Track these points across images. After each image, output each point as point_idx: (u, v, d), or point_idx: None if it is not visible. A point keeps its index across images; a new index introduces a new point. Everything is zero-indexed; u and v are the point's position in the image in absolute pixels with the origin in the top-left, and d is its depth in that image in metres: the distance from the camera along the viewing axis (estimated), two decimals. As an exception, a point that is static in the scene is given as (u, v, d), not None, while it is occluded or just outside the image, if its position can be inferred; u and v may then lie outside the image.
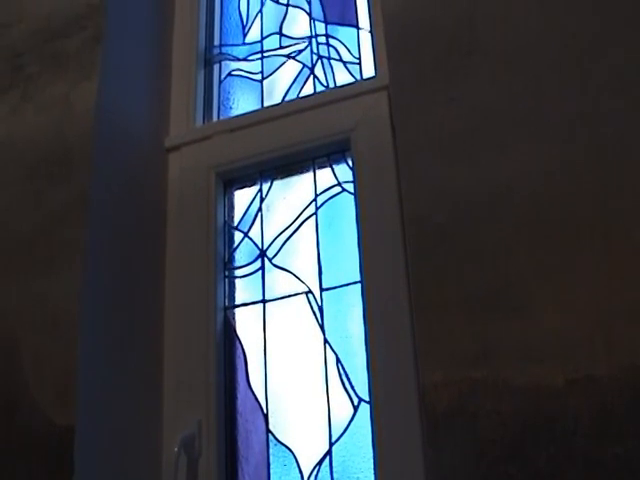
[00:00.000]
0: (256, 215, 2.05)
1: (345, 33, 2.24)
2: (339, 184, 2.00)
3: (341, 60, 2.20)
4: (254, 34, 2.34)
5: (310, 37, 2.27)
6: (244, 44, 2.34)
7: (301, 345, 1.87)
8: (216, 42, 2.36)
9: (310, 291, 1.91)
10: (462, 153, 1.66)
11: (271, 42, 2.31)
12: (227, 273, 2.00)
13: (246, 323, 1.94)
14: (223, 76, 2.31)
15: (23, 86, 2.05)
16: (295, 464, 1.79)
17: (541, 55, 1.68)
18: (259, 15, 2.37)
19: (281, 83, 2.24)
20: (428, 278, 1.59)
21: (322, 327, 1.86)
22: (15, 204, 1.90)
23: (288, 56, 2.27)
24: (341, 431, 1.77)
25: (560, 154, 1.58)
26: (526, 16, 1.74)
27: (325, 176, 2.03)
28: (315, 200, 2.01)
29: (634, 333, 1.41)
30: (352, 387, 1.79)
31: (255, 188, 2.09)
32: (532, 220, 1.55)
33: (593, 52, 1.64)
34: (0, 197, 1.93)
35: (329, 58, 2.22)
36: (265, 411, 1.85)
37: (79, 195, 1.84)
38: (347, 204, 1.96)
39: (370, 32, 2.15)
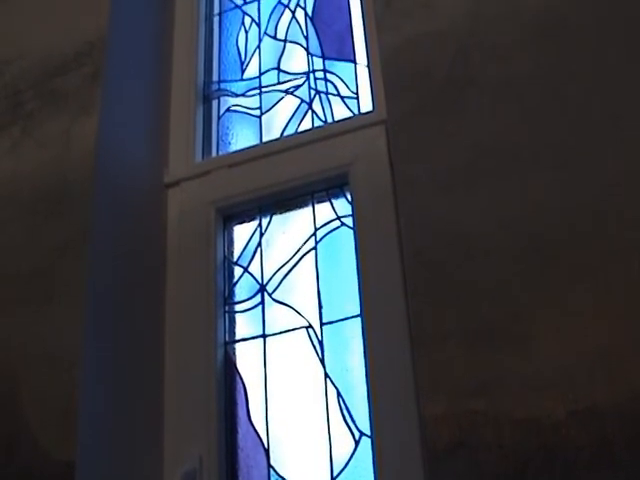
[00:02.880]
0: (256, 250, 2.09)
1: (342, 68, 2.30)
2: (338, 218, 2.05)
3: (339, 95, 2.26)
4: (252, 70, 2.40)
5: (308, 72, 2.33)
6: (242, 80, 2.40)
7: (302, 379, 1.90)
8: (215, 78, 2.42)
9: (310, 325, 1.95)
10: (460, 187, 1.71)
11: (269, 78, 2.37)
12: (227, 308, 2.03)
13: (246, 358, 1.98)
14: (222, 112, 2.37)
15: (23, 122, 2.10)
16: (297, 499, 1.82)
17: (537, 88, 1.74)
18: (257, 51, 2.43)
19: (279, 118, 2.29)
20: (427, 311, 1.63)
21: (322, 361, 1.90)
22: (15, 240, 1.95)
23: (286, 91, 2.32)
24: (343, 465, 1.79)
25: (558, 187, 1.63)
26: (522, 50, 1.79)
27: (324, 210, 2.07)
28: (314, 234, 2.05)
29: (634, 364, 1.44)
30: (353, 421, 1.81)
31: (254, 223, 2.13)
32: (530, 253, 1.59)
33: (588, 85, 1.70)
34: (1, 233, 1.96)
35: (327, 93, 2.27)
36: (266, 446, 1.88)
37: (79, 231, 1.88)
38: (346, 238, 2.01)
39: (367, 67, 2.20)
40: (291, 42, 2.40)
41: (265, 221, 2.11)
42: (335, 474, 1.79)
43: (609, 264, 1.53)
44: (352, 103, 2.22)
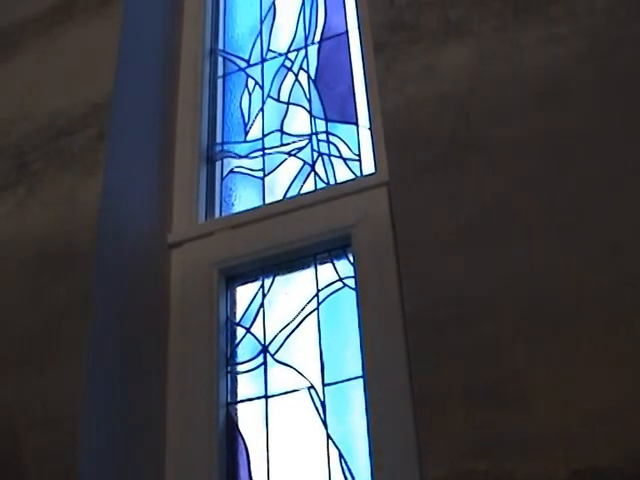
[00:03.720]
0: (258, 311, 2.14)
1: (345, 130, 2.37)
2: (340, 280, 2.10)
3: (341, 157, 2.33)
4: (255, 132, 2.48)
5: (311, 134, 2.40)
6: (246, 142, 2.47)
7: (303, 440, 1.94)
8: (218, 140, 2.49)
9: (312, 386, 1.98)
10: (461, 249, 1.76)
11: (272, 139, 2.44)
12: (229, 369, 2.07)
13: (248, 419, 2.01)
14: (225, 173, 2.44)
15: (28, 182, 2.16)
16: None
17: (538, 150, 1.80)
18: (260, 113, 2.51)
19: (282, 180, 2.36)
20: (429, 373, 1.67)
21: (324, 422, 1.93)
22: (18, 299, 1.99)
23: (289, 153, 2.39)
24: (345, 526, 1.82)
25: (559, 249, 1.68)
26: (523, 112, 1.86)
27: (326, 272, 2.12)
28: (317, 295, 2.10)
29: (635, 424, 1.48)
30: (355, 483, 1.84)
31: (257, 284, 2.18)
32: (532, 314, 1.64)
33: (590, 146, 1.76)
34: (3, 292, 2.01)
35: (329, 155, 2.34)
36: (268, 507, 1.90)
37: (82, 291, 1.93)
38: (348, 299, 2.05)
39: (369, 129, 2.27)
40: (294, 104, 2.48)
41: (268, 282, 2.17)
42: (338, 535, 1.82)
43: (610, 325, 1.57)
44: (354, 165, 2.28)
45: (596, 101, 1.80)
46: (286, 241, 2.14)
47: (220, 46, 2.68)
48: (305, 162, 2.35)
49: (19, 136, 2.25)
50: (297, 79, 2.52)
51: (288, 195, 2.31)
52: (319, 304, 2.08)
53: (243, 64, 2.63)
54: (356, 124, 2.34)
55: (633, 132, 1.74)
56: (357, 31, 2.45)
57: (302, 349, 2.04)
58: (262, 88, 2.55)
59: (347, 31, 2.52)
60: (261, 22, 2.69)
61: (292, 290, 2.14)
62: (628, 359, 1.53)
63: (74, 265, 1.97)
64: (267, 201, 2.32)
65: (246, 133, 2.48)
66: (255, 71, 2.59)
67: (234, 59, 2.64)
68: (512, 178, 1.78)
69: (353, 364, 1.94)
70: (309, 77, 2.50)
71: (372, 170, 2.20)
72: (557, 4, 1.94)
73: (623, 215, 1.66)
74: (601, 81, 1.82)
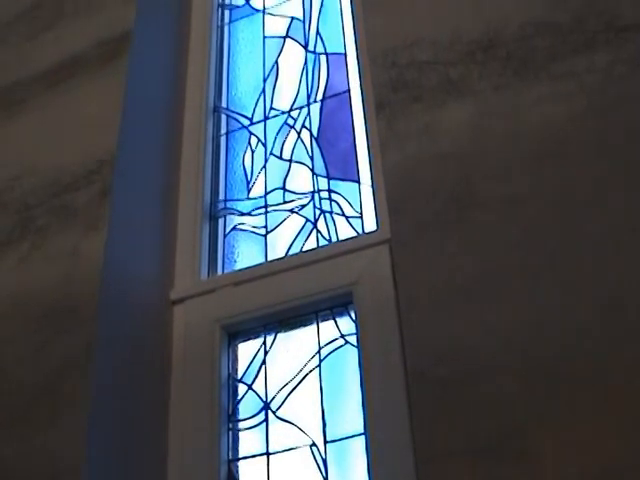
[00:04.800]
0: (260, 367, 2.19)
1: (347, 188, 2.43)
2: (342, 337, 2.15)
3: (343, 214, 2.39)
4: (258, 189, 2.55)
5: (313, 192, 2.47)
6: (248, 199, 2.54)
7: (305, 498, 1.97)
8: (221, 197, 2.56)
9: (314, 444, 2.02)
10: (463, 306, 1.81)
11: (275, 197, 2.51)
12: (231, 425, 2.11)
13: (250, 476, 2.04)
14: (228, 230, 2.50)
15: (32, 238, 2.22)
16: None
17: (538, 208, 1.85)
18: (263, 171, 2.58)
19: (284, 237, 2.42)
20: (431, 429, 1.71)
21: (326, 479, 1.97)
22: (20, 354, 2.03)
23: (291, 211, 2.46)
24: None
25: (559, 305, 1.73)
26: (523, 170, 1.92)
27: (328, 329, 2.17)
28: (319, 352, 2.15)
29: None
30: (357, 540, 1.88)
31: (259, 340, 2.23)
32: (532, 370, 1.68)
33: (590, 204, 1.82)
34: (6, 348, 2.06)
35: (331, 212, 2.40)
36: None
37: (84, 347, 1.97)
38: (350, 356, 2.10)
39: (371, 187, 2.33)
40: (296, 162, 2.55)
41: (270, 339, 2.21)
42: None
43: (611, 382, 1.62)
44: (356, 222, 2.34)
45: (596, 158, 1.87)
46: (288, 298, 2.19)
47: (223, 104, 2.76)
48: (307, 219, 2.42)
49: (24, 191, 2.32)
50: (299, 137, 2.60)
51: (290, 252, 2.36)
52: (321, 361, 2.13)
53: (246, 122, 2.70)
54: (358, 182, 2.41)
55: (633, 189, 1.80)
56: (359, 90, 2.53)
57: (304, 406, 2.08)
58: (265, 146, 2.62)
59: (349, 90, 2.60)
60: (264, 80, 2.77)
61: (294, 347, 2.18)
62: (629, 416, 1.57)
63: (77, 320, 2.02)
64: (269, 258, 2.38)
65: (249, 190, 2.55)
66: (258, 129, 2.67)
67: (237, 117, 2.72)
68: (512, 235, 1.84)
69: (355, 421, 1.99)
70: (311, 135, 2.58)
71: (374, 227, 2.26)
72: (557, 63, 2.01)
73: (623, 271, 1.71)
74: (601, 139, 1.88)
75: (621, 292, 1.70)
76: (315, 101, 2.65)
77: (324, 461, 1.99)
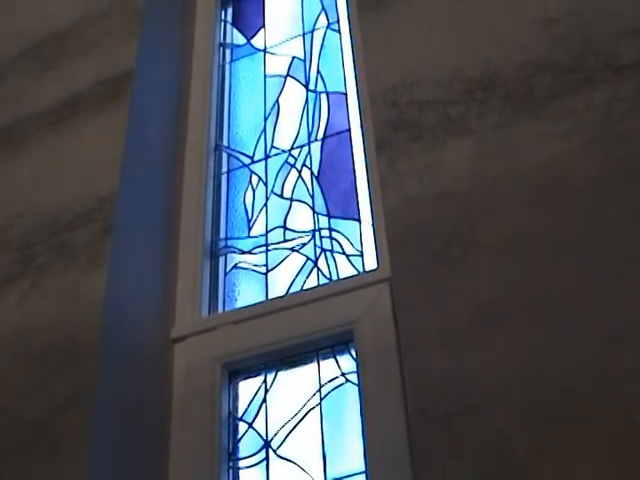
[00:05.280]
0: (260, 406, 2.20)
1: (347, 226, 2.47)
2: (343, 375, 2.17)
3: (344, 253, 2.42)
4: (259, 228, 2.58)
5: (313, 231, 2.50)
6: (249, 237, 2.58)
7: (306, 536, 1.98)
8: (222, 235, 2.60)
9: (315, 482, 2.04)
10: (463, 344, 1.83)
11: (276, 235, 2.54)
12: (231, 464, 2.13)
13: (251, 514, 2.06)
14: (228, 268, 2.53)
15: (32, 276, 2.25)
16: None
17: (539, 245, 1.88)
18: (264, 209, 2.61)
19: (285, 275, 2.45)
20: (432, 467, 1.73)
21: (327, 517, 1.99)
22: (21, 391, 2.05)
23: (292, 249, 2.49)
24: None
25: (559, 343, 1.75)
26: (523, 208, 1.95)
27: (329, 367, 2.19)
28: (319, 391, 2.17)
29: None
30: None
31: (260, 379, 2.25)
32: (532, 408, 1.70)
33: (590, 242, 1.84)
34: (7, 384, 2.08)
35: (332, 251, 2.44)
36: None
37: (85, 385, 2.00)
38: (351, 395, 2.12)
39: (372, 225, 2.36)
40: (297, 201, 2.59)
41: (270, 377, 2.23)
42: None
43: (611, 420, 1.63)
44: (357, 261, 2.37)
45: (596, 196, 1.89)
46: (289, 336, 2.22)
47: (224, 142, 2.81)
48: (308, 258, 2.45)
49: (25, 229, 2.36)
50: (300, 176, 2.64)
51: (291, 291, 2.39)
52: (321, 399, 2.15)
53: (247, 160, 2.75)
54: (358, 220, 2.44)
55: (634, 226, 1.82)
56: (359, 129, 2.57)
57: (304, 444, 2.10)
58: (266, 184, 2.66)
59: (349, 128, 2.64)
60: (265, 119, 2.82)
61: (295, 385, 2.20)
62: (629, 453, 1.59)
63: (77, 358, 2.04)
64: (270, 296, 2.41)
65: (249, 229, 2.59)
66: (259, 167, 2.71)
67: (238, 155, 2.77)
68: (513, 273, 1.87)
69: (356, 459, 2.00)
70: (312, 174, 2.62)
71: (374, 266, 2.28)
72: (556, 101, 2.05)
73: (624, 309, 1.74)
74: (601, 176, 1.91)
75: (621, 331, 1.72)
76: (316, 140, 2.69)
77: (325, 499, 2.01)
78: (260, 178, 2.69)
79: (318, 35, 2.96)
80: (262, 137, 2.79)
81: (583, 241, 1.85)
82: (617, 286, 1.77)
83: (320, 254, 2.44)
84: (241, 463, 2.14)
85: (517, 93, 2.11)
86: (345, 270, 2.38)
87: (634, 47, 2.04)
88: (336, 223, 2.49)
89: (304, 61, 2.91)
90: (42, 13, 2.98)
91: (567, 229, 1.88)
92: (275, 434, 2.14)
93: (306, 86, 2.84)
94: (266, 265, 2.49)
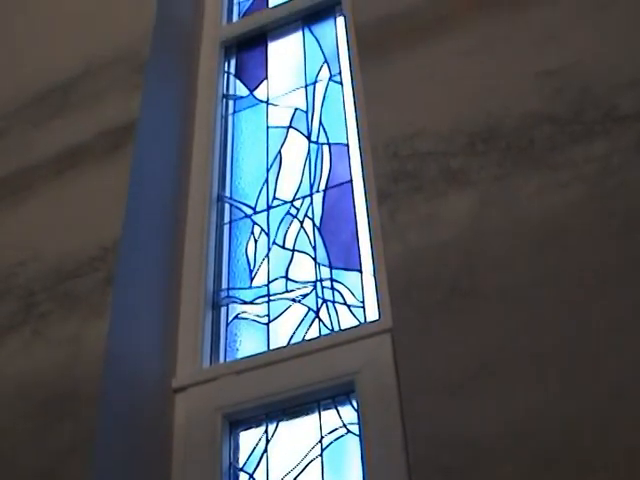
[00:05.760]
0: (261, 456, 2.22)
1: (349, 277, 2.49)
2: (344, 426, 2.18)
3: (345, 303, 2.45)
4: (261, 278, 2.61)
5: (315, 281, 2.53)
6: (251, 288, 2.61)
7: None
8: (224, 285, 2.63)
9: (315, 529, 2.06)
10: (464, 395, 1.85)
11: (277, 286, 2.57)
12: (231, 513, 2.15)
13: None
14: (230, 318, 2.56)
15: (35, 323, 2.28)
16: None
17: (539, 296, 1.91)
18: (266, 259, 2.65)
19: (287, 326, 2.47)
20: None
21: None
22: (21, 440, 2.08)
23: (294, 300, 2.52)
24: None
25: (560, 393, 1.78)
26: (524, 259, 1.98)
27: (330, 418, 2.21)
28: (320, 441, 2.18)
29: None
30: None
31: (261, 429, 2.27)
32: (534, 459, 1.72)
33: (590, 292, 1.87)
34: (7, 432, 2.10)
35: (333, 302, 2.46)
36: None
37: (86, 433, 2.02)
38: (352, 445, 2.14)
39: (373, 276, 2.39)
40: (299, 251, 2.62)
41: (271, 428, 2.25)
42: None
43: (612, 468, 1.65)
44: (358, 311, 2.40)
45: (596, 246, 1.92)
46: (290, 387, 2.23)
47: (227, 193, 2.85)
48: (309, 308, 2.48)
49: (28, 277, 2.39)
50: (302, 226, 2.67)
51: (292, 341, 2.42)
52: (323, 450, 2.17)
53: (249, 211, 2.79)
54: (360, 271, 2.47)
55: (634, 277, 1.85)
56: (361, 180, 2.60)
57: (306, 495, 2.12)
58: (268, 235, 2.70)
59: (351, 180, 2.68)
60: (267, 170, 2.87)
61: (296, 436, 2.22)
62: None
63: (78, 407, 2.07)
64: (272, 347, 2.44)
65: (251, 279, 2.63)
66: (261, 218, 2.75)
67: (240, 206, 2.81)
68: (513, 324, 1.89)
69: (357, 510, 2.02)
70: (314, 225, 2.66)
71: (376, 317, 2.31)
72: (556, 153, 2.09)
73: (624, 359, 1.76)
74: (601, 226, 1.95)
75: (622, 381, 1.74)
76: (318, 191, 2.74)
77: None
78: (262, 229, 2.73)
79: (320, 87, 3.02)
80: (264, 188, 2.83)
81: (583, 292, 1.88)
82: (617, 337, 1.80)
83: (322, 305, 2.47)
84: (241, 513, 2.16)
85: (517, 145, 2.15)
86: (347, 321, 2.41)
87: (632, 98, 2.08)
88: (338, 274, 2.52)
89: (306, 112, 2.97)
90: (46, 64, 3.04)
91: (567, 280, 1.91)
92: (276, 485, 2.17)
93: (308, 137, 2.89)
94: (268, 315, 2.52)
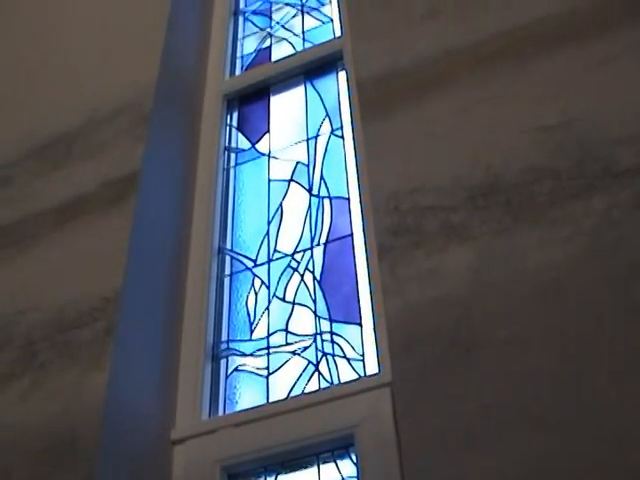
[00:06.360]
0: (258, 512, 2.24)
1: (349, 330, 2.52)
2: (343, 480, 2.20)
3: (345, 357, 2.47)
4: (261, 330, 2.65)
5: (315, 334, 2.56)
6: (251, 340, 2.64)
7: None
8: (224, 337, 2.66)
9: None
10: (463, 449, 1.88)
11: (277, 339, 2.60)
12: None
13: None
14: (230, 371, 2.59)
15: (34, 373, 2.31)
16: None
17: (538, 350, 1.94)
18: (266, 312, 2.68)
19: (286, 379, 2.50)
20: None
21: None
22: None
23: (294, 352, 2.55)
24: None
25: (559, 446, 1.80)
26: (523, 313, 2.01)
27: (329, 471, 2.22)
28: (319, 497, 2.20)
29: None
30: None
31: (260, 482, 2.29)
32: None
33: (589, 346, 1.90)
34: (6, 481, 2.13)
35: (333, 355, 2.49)
36: None
37: (84, 484, 2.04)
38: (351, 500, 2.15)
39: (373, 330, 2.41)
40: (299, 304, 2.65)
41: (270, 480, 2.28)
42: None
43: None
44: (358, 365, 2.42)
45: (595, 301, 1.95)
46: (289, 440, 2.25)
47: (228, 245, 2.90)
48: (309, 361, 2.50)
49: (28, 326, 2.43)
50: (303, 279, 2.71)
51: (292, 394, 2.44)
52: (322, 504, 2.18)
53: (250, 264, 2.83)
54: (360, 325, 2.50)
55: (633, 331, 1.88)
56: (361, 234, 2.63)
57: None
58: (268, 288, 2.74)
59: (352, 233, 2.72)
60: (268, 223, 2.91)
61: (294, 490, 2.24)
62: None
63: (77, 457, 2.09)
64: (271, 400, 2.46)
65: (251, 332, 2.66)
66: (262, 271, 2.79)
67: (241, 258, 2.85)
68: (513, 377, 1.92)
69: None
70: (314, 278, 2.69)
71: (375, 370, 2.33)
72: (556, 208, 2.12)
73: (623, 412, 1.79)
74: (600, 281, 1.98)
75: (621, 434, 1.77)
76: (318, 244, 2.77)
77: None
78: (263, 281, 2.76)
79: (322, 141, 3.07)
80: (265, 241, 2.87)
81: (582, 345, 1.91)
82: (616, 392, 1.82)
83: (321, 358, 2.50)
84: None
85: (518, 200, 2.19)
86: (346, 374, 2.43)
87: (632, 154, 2.13)
88: (338, 327, 2.55)
89: (308, 166, 3.02)
90: (50, 114, 3.11)
91: (566, 334, 1.94)
92: (273, 540, 2.18)
93: (309, 191, 2.94)
94: (267, 368, 2.55)
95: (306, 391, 2.44)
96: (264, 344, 2.61)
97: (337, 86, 3.20)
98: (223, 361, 2.61)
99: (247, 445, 2.29)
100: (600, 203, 2.09)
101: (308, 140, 3.11)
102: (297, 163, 3.05)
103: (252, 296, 2.75)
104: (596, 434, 1.79)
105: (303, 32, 3.53)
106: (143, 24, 3.30)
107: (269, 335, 2.62)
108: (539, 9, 2.53)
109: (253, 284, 2.78)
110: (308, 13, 3.61)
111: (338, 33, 3.37)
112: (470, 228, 2.19)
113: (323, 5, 3.60)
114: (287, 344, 2.58)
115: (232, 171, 3.13)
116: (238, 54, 3.61)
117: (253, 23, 3.74)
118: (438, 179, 2.33)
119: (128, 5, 3.43)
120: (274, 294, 2.72)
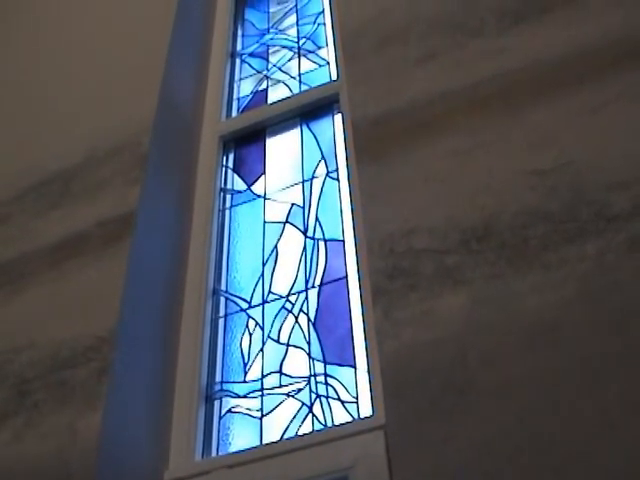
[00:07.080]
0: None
1: (343, 373, 2.55)
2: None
3: (339, 399, 2.49)
4: (255, 372, 2.67)
5: (309, 376, 2.58)
6: (245, 382, 2.66)
7: None
8: (217, 379, 2.69)
9: None
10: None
11: (271, 380, 2.63)
12: None
13: None
14: (223, 412, 2.61)
15: (27, 413, 2.34)
16: None
17: (532, 391, 1.96)
18: (260, 354, 2.71)
19: (280, 420, 2.52)
20: None
21: None
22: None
23: (288, 394, 2.57)
24: None
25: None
26: (517, 356, 2.03)
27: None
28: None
29: None
30: None
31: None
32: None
33: (584, 388, 1.92)
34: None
35: (327, 397, 2.51)
36: None
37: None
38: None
39: (367, 372, 2.44)
40: (293, 346, 2.68)
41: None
42: None
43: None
44: (352, 407, 2.45)
45: (588, 344, 1.98)
46: (283, 482, 2.28)
47: (222, 287, 2.93)
48: (303, 403, 2.52)
49: (22, 364, 2.46)
50: (297, 321, 2.73)
51: (286, 436, 2.46)
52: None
53: (244, 305, 2.86)
54: (354, 367, 2.52)
55: (626, 374, 1.90)
56: (356, 276, 2.66)
57: None
58: (262, 329, 2.76)
59: (346, 276, 2.75)
60: (263, 265, 2.94)
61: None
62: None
63: (70, 499, 2.12)
64: (264, 441, 2.48)
65: (245, 373, 2.68)
66: (256, 312, 2.82)
67: (236, 300, 2.89)
68: (507, 420, 1.94)
69: None
70: (309, 320, 2.72)
71: (369, 413, 2.35)
72: (549, 252, 2.15)
73: (617, 454, 1.81)
74: (594, 324, 2.00)
75: (615, 477, 1.79)
76: (313, 286, 2.80)
77: None
78: (257, 323, 2.79)
79: (317, 183, 3.12)
80: (260, 282, 2.90)
81: (577, 388, 1.93)
82: (611, 431, 1.85)
83: (315, 400, 2.52)
84: None
85: (511, 243, 2.22)
86: (340, 416, 2.45)
87: (624, 198, 2.16)
88: (332, 369, 2.57)
89: (303, 208, 3.06)
90: (47, 152, 3.17)
91: (560, 376, 1.96)
92: None
93: (305, 233, 2.98)
94: (261, 410, 2.57)
95: (300, 433, 2.46)
96: (258, 386, 2.63)
97: (333, 129, 3.26)
98: (217, 402, 2.64)
99: (240, 486, 2.32)
100: (593, 247, 2.12)
101: (304, 182, 3.15)
102: (292, 205, 3.10)
103: (246, 337, 2.78)
104: (593, 474, 1.81)
105: (299, 75, 3.60)
106: (142, 65, 3.36)
107: (263, 377, 2.65)
108: (534, 54, 2.59)
109: (247, 325, 2.81)
110: (305, 56, 3.69)
111: (334, 76, 3.44)
112: (464, 271, 2.22)
113: (320, 48, 3.67)
114: (281, 386, 2.60)
115: (227, 212, 3.18)
116: (235, 96, 3.67)
117: (250, 65, 3.81)
118: (433, 222, 2.36)
119: (127, 47, 3.49)
120: (268, 335, 2.75)
